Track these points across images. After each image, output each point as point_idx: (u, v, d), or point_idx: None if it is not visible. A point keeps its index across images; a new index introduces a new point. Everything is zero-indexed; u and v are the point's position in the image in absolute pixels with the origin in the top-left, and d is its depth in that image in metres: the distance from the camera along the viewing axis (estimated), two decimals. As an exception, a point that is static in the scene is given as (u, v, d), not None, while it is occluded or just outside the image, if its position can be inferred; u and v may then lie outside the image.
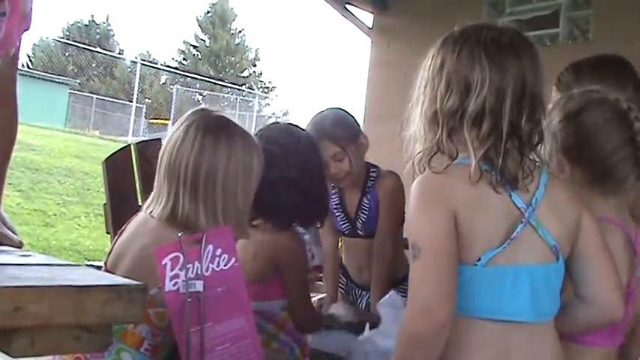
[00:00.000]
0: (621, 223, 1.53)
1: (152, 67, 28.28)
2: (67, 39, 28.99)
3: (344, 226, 2.52)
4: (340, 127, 2.35)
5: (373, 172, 2.46)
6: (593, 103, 1.54)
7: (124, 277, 1.57)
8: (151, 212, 1.57)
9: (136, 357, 1.57)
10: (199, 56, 33.79)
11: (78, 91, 22.75)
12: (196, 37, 34.15)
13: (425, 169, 1.31)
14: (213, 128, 1.56)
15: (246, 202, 1.58)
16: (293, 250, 1.83)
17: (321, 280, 2.56)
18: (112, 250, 1.63)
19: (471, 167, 1.26)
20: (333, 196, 2.49)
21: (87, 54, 26.58)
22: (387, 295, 1.99)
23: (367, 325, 1.98)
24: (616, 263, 1.39)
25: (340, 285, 2.61)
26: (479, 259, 1.25)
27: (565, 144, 1.52)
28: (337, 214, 2.51)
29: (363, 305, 2.55)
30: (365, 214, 2.46)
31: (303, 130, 2.02)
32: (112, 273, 1.60)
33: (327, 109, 2.44)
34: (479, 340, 1.26)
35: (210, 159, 1.52)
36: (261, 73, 35.07)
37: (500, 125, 1.26)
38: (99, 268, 1.67)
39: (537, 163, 1.31)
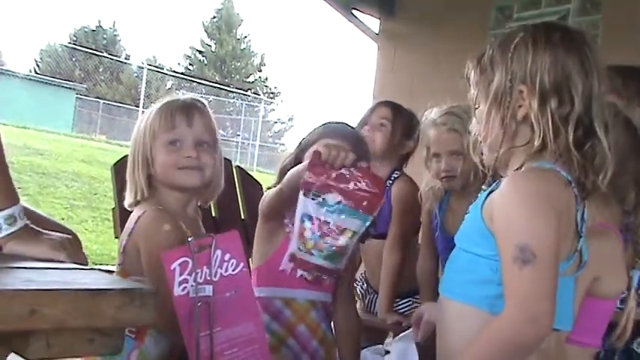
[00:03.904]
0: (617, 230, 1.56)
1: (158, 72, 28.40)
2: (74, 44, 29.12)
3: None
4: (411, 120, 2.51)
5: (395, 174, 2.51)
6: (619, 119, 1.55)
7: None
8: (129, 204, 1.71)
9: None
10: (205, 61, 33.87)
11: (85, 95, 22.85)
12: (202, 42, 34.25)
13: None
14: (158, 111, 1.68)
15: (144, 156, 1.67)
16: None
17: None
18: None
19: (558, 172, 1.25)
20: None
21: (94, 59, 26.70)
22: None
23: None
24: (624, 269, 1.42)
25: (361, 290, 2.63)
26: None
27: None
28: None
29: (373, 309, 2.57)
30: None
31: None
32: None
33: None
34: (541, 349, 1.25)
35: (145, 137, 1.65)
36: (266, 79, 35.13)
37: (596, 133, 1.24)
38: (109, 272, 1.68)
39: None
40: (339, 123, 1.98)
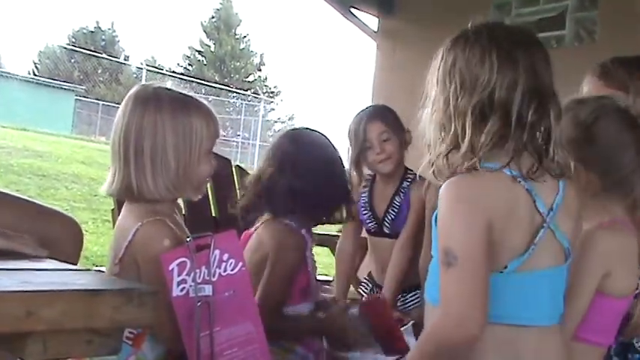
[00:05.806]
0: (631, 226, 1.53)
1: (158, 72, 28.34)
2: (73, 45, 29.12)
3: (370, 224, 2.54)
4: (390, 113, 2.53)
5: (410, 174, 2.51)
6: (609, 113, 1.52)
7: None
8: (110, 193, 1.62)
9: None
10: (204, 62, 33.85)
11: (84, 97, 22.83)
12: (201, 42, 34.22)
13: (450, 171, 1.28)
14: (142, 99, 1.59)
15: (184, 162, 1.56)
16: (280, 241, 1.85)
17: None
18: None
19: (500, 171, 1.24)
20: (363, 194, 2.51)
21: (92, 60, 26.67)
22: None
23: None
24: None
25: (364, 289, 2.64)
26: (505, 267, 1.24)
27: (582, 153, 1.47)
28: (364, 212, 2.53)
29: None
30: (394, 212, 2.48)
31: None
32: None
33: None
34: (491, 344, 1.25)
35: (137, 128, 1.55)
36: (266, 78, 35.11)
37: (510, 120, 1.24)
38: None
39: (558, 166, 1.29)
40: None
